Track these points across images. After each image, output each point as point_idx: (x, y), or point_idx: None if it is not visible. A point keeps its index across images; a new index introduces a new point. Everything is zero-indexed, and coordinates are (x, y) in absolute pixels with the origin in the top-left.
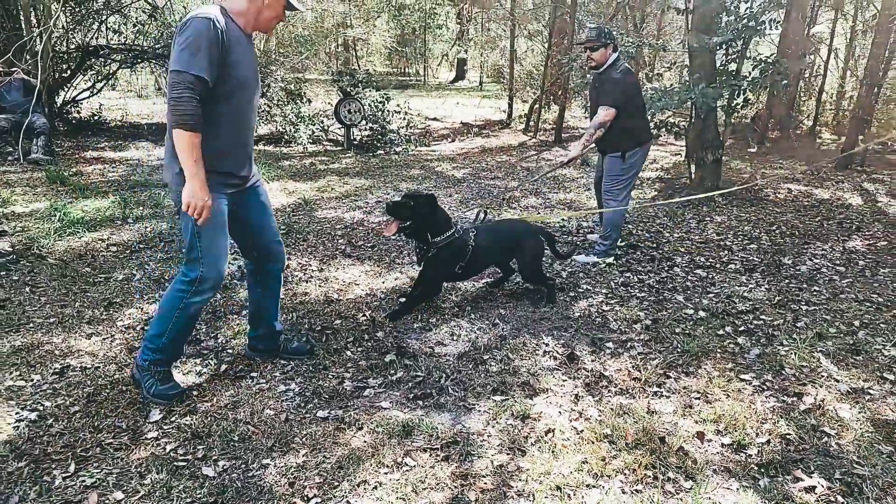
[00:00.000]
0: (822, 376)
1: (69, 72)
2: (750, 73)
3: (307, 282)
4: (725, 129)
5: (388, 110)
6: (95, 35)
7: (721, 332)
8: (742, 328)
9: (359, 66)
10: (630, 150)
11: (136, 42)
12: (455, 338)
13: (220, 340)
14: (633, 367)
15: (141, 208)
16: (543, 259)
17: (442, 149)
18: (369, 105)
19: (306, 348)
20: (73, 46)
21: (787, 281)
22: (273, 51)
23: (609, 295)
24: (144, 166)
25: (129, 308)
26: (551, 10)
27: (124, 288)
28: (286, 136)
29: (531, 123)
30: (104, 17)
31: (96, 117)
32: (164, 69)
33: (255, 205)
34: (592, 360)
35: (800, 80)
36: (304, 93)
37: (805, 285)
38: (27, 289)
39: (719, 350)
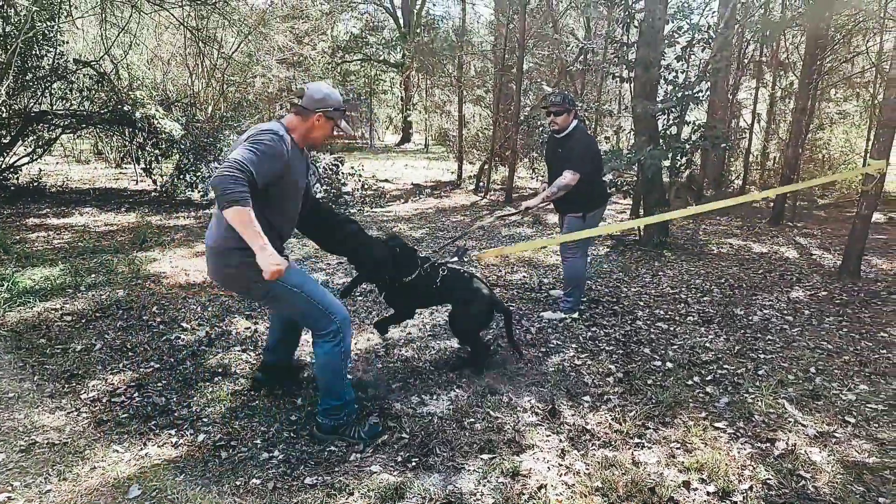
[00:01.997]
0: (790, 422)
1: (9, 138)
2: (690, 137)
3: None
4: (670, 188)
5: (342, 173)
6: (39, 101)
7: (690, 382)
8: (709, 378)
9: None
10: (591, 210)
11: (80, 107)
12: (434, 397)
13: (193, 409)
14: (612, 419)
15: (93, 275)
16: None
17: (397, 209)
18: (323, 168)
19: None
20: (13, 112)
21: (742, 331)
22: (221, 116)
23: (579, 349)
24: (92, 232)
25: (92, 380)
26: (496, 77)
27: (84, 359)
28: None
29: (481, 184)
30: (49, 82)
31: (35, 183)
32: (109, 134)
33: None
34: (573, 414)
35: (728, 143)
36: None
37: (759, 334)
38: None
39: (691, 400)
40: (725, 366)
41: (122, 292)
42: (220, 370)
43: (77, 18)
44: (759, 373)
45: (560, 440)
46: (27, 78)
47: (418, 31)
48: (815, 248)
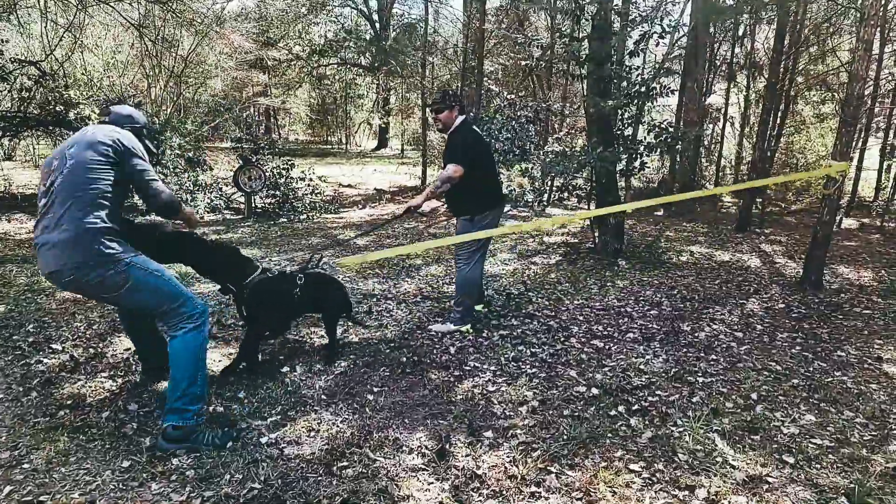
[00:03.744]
0: (717, 462)
1: None
2: (645, 138)
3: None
4: (626, 193)
5: (292, 177)
6: None
7: (613, 412)
8: (636, 407)
9: (279, 134)
10: (478, 213)
11: (18, 109)
12: (313, 434)
13: (15, 453)
14: (511, 461)
15: None
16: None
17: (351, 216)
18: (271, 172)
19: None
20: None
21: (684, 350)
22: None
23: (498, 372)
24: (10, 240)
25: None
26: (459, 80)
27: None
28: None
29: None
30: None
31: None
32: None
33: None
34: (467, 455)
35: (699, 147)
36: (205, 160)
37: (703, 354)
38: None
39: (610, 434)
40: (658, 392)
41: (3, 308)
42: (69, 402)
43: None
44: (694, 400)
45: (442, 489)
46: None
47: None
48: (779, 256)
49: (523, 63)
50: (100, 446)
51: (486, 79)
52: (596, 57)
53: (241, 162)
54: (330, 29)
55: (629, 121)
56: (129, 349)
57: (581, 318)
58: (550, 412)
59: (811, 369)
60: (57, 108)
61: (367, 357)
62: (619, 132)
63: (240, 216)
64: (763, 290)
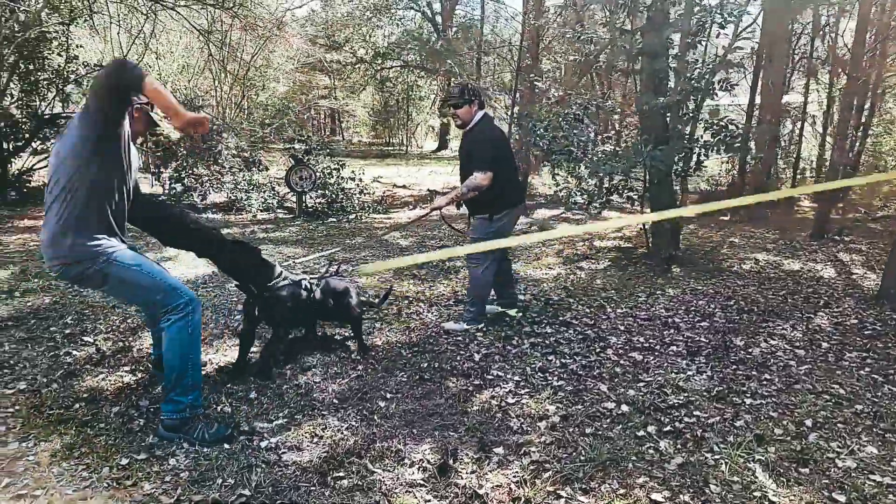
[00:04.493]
0: (755, 496)
1: (23, 141)
2: (701, 137)
3: None
4: (683, 195)
5: (342, 177)
6: (51, 104)
7: (642, 432)
8: (668, 428)
9: (343, 136)
10: (497, 212)
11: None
12: (316, 440)
13: (24, 445)
14: (518, 481)
15: (37, 280)
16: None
17: (399, 216)
18: (322, 172)
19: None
20: (26, 115)
21: (734, 367)
22: (228, 118)
23: (522, 383)
24: None
25: None
26: (513, 78)
27: None
28: (237, 204)
29: None
30: (59, 85)
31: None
32: None
33: None
34: (471, 472)
35: (776, 148)
36: (260, 160)
37: (755, 372)
38: None
39: (634, 457)
40: (696, 412)
41: (49, 299)
42: (86, 395)
43: (85, 23)
44: (737, 424)
45: None
46: (39, 80)
47: (450, 34)
48: (857, 266)
49: (580, 60)
50: (104, 442)
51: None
52: (650, 50)
53: (293, 162)
54: (393, 32)
55: (685, 118)
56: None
57: (622, 327)
58: (571, 430)
59: (879, 394)
60: None
61: (386, 361)
62: (674, 130)
63: (291, 215)
64: (834, 303)
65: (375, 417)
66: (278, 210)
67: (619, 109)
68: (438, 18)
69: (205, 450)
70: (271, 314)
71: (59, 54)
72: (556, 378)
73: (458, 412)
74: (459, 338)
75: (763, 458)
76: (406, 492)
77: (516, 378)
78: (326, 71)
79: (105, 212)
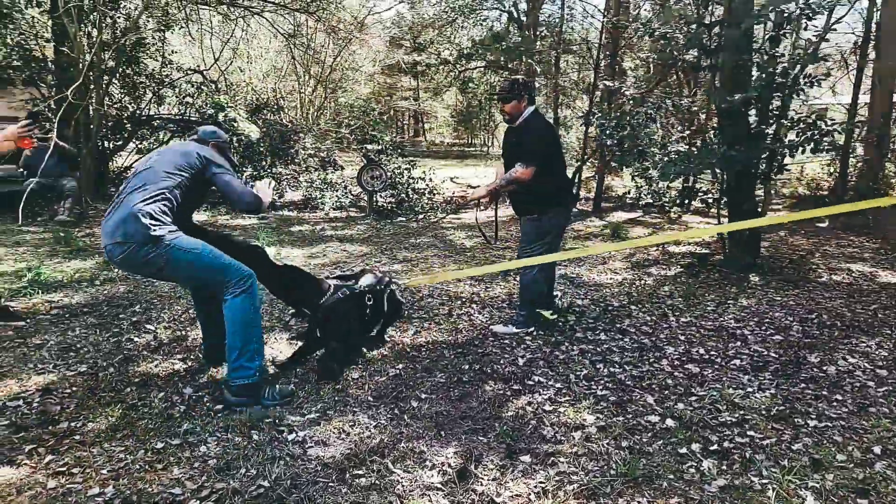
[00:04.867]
0: None
1: (121, 141)
2: (785, 136)
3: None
4: (767, 199)
5: (412, 177)
6: (148, 105)
7: (684, 449)
8: (715, 447)
9: (425, 137)
10: (546, 212)
11: (179, 112)
12: (343, 436)
13: (73, 424)
14: (539, 492)
15: (118, 270)
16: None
17: (468, 217)
18: (392, 172)
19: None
20: (124, 116)
21: (802, 385)
22: (312, 119)
23: (563, 390)
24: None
25: (11, 379)
26: (592, 79)
27: (26, 355)
28: (312, 202)
29: (574, 192)
30: (157, 88)
31: None
32: None
33: None
34: (492, 480)
35: (886, 149)
36: (335, 160)
37: (825, 392)
38: None
39: (671, 475)
40: (750, 432)
41: (124, 288)
42: (137, 380)
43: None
44: (795, 447)
45: None
46: (136, 83)
47: (532, 32)
48: None
49: (655, 57)
50: (145, 425)
51: (604, 76)
52: (730, 44)
53: (364, 161)
54: (477, 32)
55: (769, 116)
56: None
57: (683, 337)
58: (607, 441)
59: None
60: (208, 112)
61: (427, 361)
62: (756, 130)
63: (362, 214)
64: None
65: (406, 417)
66: (351, 209)
67: (695, 108)
68: (523, 18)
69: (236, 439)
70: (327, 331)
71: (155, 59)
72: (600, 387)
73: (491, 417)
74: (507, 341)
75: (818, 486)
76: (422, 495)
77: (558, 385)
78: (410, 72)
79: (172, 208)
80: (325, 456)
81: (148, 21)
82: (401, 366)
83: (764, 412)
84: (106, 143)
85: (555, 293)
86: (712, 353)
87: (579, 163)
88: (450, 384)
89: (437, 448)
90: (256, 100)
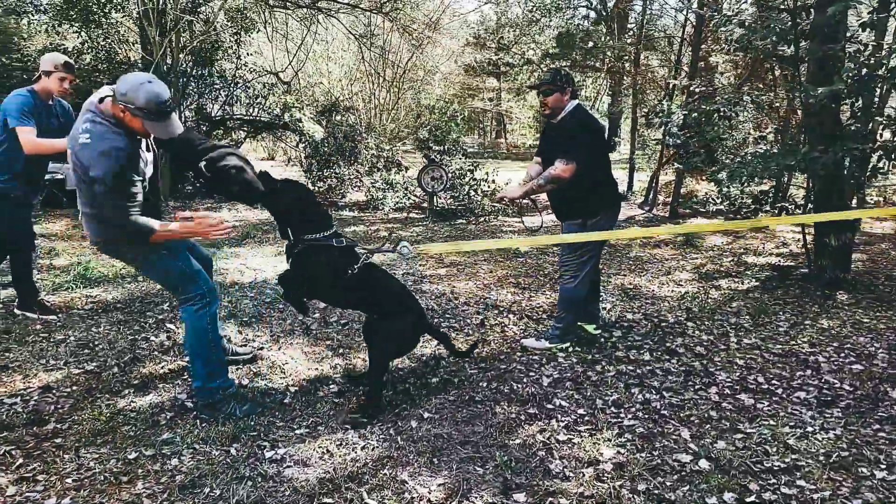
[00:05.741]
0: None
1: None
2: (881, 135)
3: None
4: (860, 204)
5: (475, 178)
6: (222, 107)
7: (714, 499)
8: (753, 498)
9: (506, 138)
10: (592, 216)
11: (251, 113)
12: (326, 456)
13: (63, 426)
14: None
15: None
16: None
17: (534, 221)
18: (454, 173)
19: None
20: (200, 117)
21: (876, 426)
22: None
23: (586, 417)
24: None
25: (19, 374)
26: (671, 76)
27: (42, 351)
28: (373, 203)
29: (650, 197)
30: (231, 90)
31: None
32: (277, 138)
33: None
34: None
35: None
36: (398, 160)
37: None
38: None
39: None
40: (800, 481)
41: (161, 286)
42: (137, 382)
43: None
44: (854, 503)
45: None
46: (213, 84)
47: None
48: None
49: (732, 48)
50: (126, 432)
51: (672, 72)
52: (818, 32)
53: (426, 162)
54: (561, 31)
55: (862, 114)
56: (226, 335)
57: (741, 362)
58: (621, 482)
59: None
60: (276, 112)
61: (443, 375)
62: (847, 129)
63: (423, 215)
64: None
65: (399, 439)
66: (412, 210)
67: (776, 104)
68: (607, 14)
69: (213, 452)
70: (298, 269)
71: (230, 61)
72: (629, 416)
73: (496, 444)
74: (536, 357)
75: None
76: None
77: (580, 411)
78: (491, 73)
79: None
80: (300, 479)
81: (226, 25)
82: (412, 379)
83: (822, 458)
84: None
85: (601, 305)
86: (773, 382)
87: (656, 165)
88: (459, 403)
89: (424, 478)
90: (326, 101)
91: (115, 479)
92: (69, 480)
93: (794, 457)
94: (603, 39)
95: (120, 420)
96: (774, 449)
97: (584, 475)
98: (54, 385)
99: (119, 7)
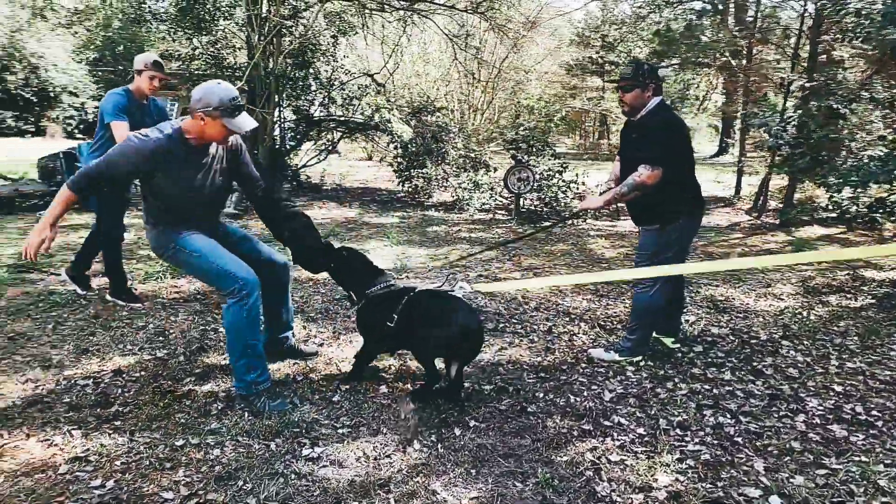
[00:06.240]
0: None
1: (295, 141)
2: None
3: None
4: None
5: (563, 180)
6: (318, 108)
7: None
8: None
9: (609, 139)
10: (670, 221)
11: (345, 114)
12: (362, 459)
13: (122, 409)
14: None
15: None
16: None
17: (627, 225)
18: (541, 174)
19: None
20: (299, 118)
21: None
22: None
23: (645, 438)
24: None
25: (97, 358)
26: (788, 68)
27: (121, 335)
28: (458, 204)
29: (760, 202)
30: (328, 91)
31: (311, 180)
32: (370, 138)
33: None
34: None
35: None
36: (486, 161)
37: None
38: (51, 325)
39: None
40: None
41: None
42: (199, 371)
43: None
44: None
45: None
46: (310, 86)
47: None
48: None
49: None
50: (178, 419)
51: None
52: None
53: (512, 162)
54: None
55: None
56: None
57: (839, 388)
58: None
59: None
60: (367, 112)
61: (499, 383)
62: None
63: (508, 216)
64: None
65: (440, 447)
66: (499, 211)
67: None
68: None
69: (255, 445)
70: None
71: (328, 63)
72: (695, 440)
73: (541, 459)
74: (602, 369)
75: None
76: None
77: (640, 430)
78: (595, 72)
79: (170, 214)
80: (331, 479)
81: (324, 28)
82: (467, 384)
83: None
84: (281, 144)
85: (684, 317)
86: (874, 413)
87: (767, 169)
88: (510, 413)
89: (458, 489)
90: (418, 101)
91: (160, 464)
92: (118, 463)
93: (884, 500)
94: (712, 33)
95: (175, 407)
96: (861, 489)
97: (632, 502)
98: (125, 369)
99: (227, 15)
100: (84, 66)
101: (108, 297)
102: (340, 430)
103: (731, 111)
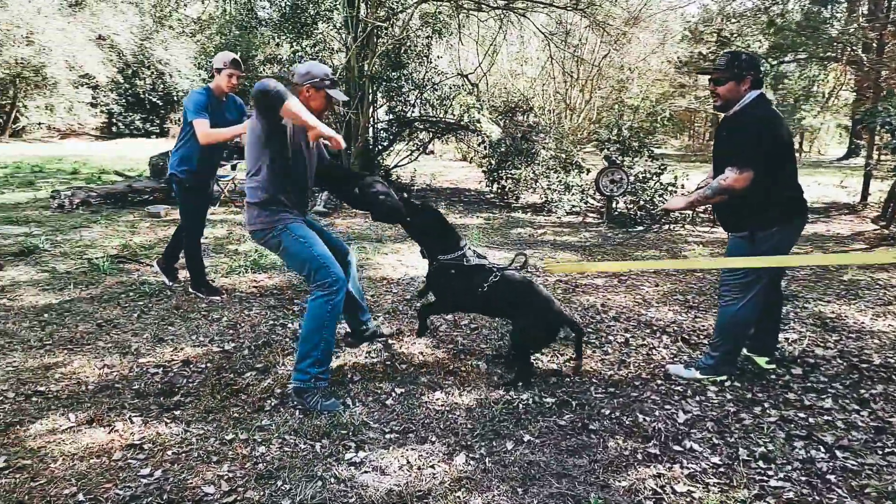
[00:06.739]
0: None
1: (387, 141)
2: None
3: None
4: None
5: (661, 183)
6: (411, 108)
7: None
8: None
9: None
10: (763, 228)
11: (437, 115)
12: (405, 467)
13: (187, 399)
14: None
15: None
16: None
17: (710, 235)
18: (636, 176)
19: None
20: (392, 118)
21: None
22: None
23: (720, 468)
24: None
25: (169, 347)
26: None
27: (196, 328)
28: (547, 206)
29: (890, 210)
30: (420, 92)
31: (401, 180)
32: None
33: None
34: None
35: None
36: (579, 162)
37: None
38: (136, 314)
39: None
40: None
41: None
42: (260, 365)
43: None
44: None
45: None
46: (403, 87)
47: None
48: None
49: None
50: (233, 413)
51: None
52: None
53: (605, 163)
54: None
55: None
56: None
57: None
58: None
59: None
60: (458, 112)
61: (563, 395)
62: None
63: (599, 220)
64: None
65: (488, 461)
66: (591, 214)
67: None
68: None
69: (300, 445)
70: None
71: (422, 64)
72: (780, 475)
73: (597, 483)
74: (680, 387)
75: None
76: None
77: (715, 459)
78: (708, 70)
79: (283, 190)
80: (369, 486)
81: (419, 28)
82: (525, 396)
83: None
84: (374, 144)
85: (784, 334)
86: None
87: (894, 173)
88: (570, 429)
89: (497, 500)
90: (509, 101)
91: (208, 457)
92: (169, 453)
93: None
94: (840, 24)
95: (231, 401)
96: None
97: None
98: (193, 360)
99: (326, 19)
100: (203, 71)
101: (191, 290)
102: (388, 436)
103: (859, 109)
